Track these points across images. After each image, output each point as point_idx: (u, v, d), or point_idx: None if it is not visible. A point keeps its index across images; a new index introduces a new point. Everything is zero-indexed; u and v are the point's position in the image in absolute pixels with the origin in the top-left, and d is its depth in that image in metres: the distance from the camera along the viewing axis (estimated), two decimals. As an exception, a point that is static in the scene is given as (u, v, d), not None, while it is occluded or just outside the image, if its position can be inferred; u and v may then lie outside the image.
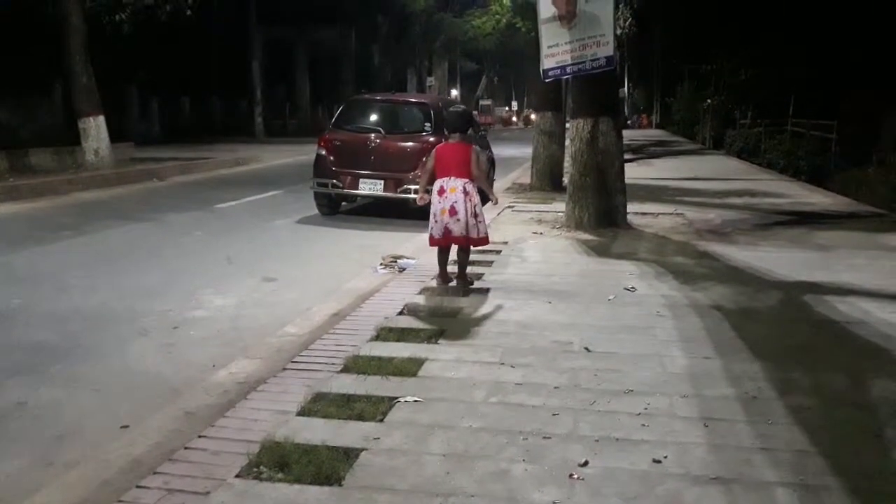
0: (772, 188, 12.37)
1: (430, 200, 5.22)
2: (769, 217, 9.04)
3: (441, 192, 5.13)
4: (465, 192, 5.10)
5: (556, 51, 7.57)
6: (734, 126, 23.49)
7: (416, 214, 9.21)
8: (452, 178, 5.12)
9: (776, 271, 5.90)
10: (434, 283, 5.43)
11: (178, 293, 5.57)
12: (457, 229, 5.10)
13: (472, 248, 5.38)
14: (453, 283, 5.36)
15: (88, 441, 3.13)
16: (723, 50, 24.21)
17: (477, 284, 5.40)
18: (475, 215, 5.14)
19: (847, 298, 5.06)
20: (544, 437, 2.91)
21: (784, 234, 7.81)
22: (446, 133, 5.58)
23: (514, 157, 19.26)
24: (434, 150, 5.32)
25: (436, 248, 5.36)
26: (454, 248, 5.38)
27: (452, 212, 5.08)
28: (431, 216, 5.20)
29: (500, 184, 12.44)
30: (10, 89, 15.11)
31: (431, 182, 5.27)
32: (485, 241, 5.32)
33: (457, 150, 5.21)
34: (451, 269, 5.41)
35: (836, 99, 17.72)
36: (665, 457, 2.76)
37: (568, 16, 7.44)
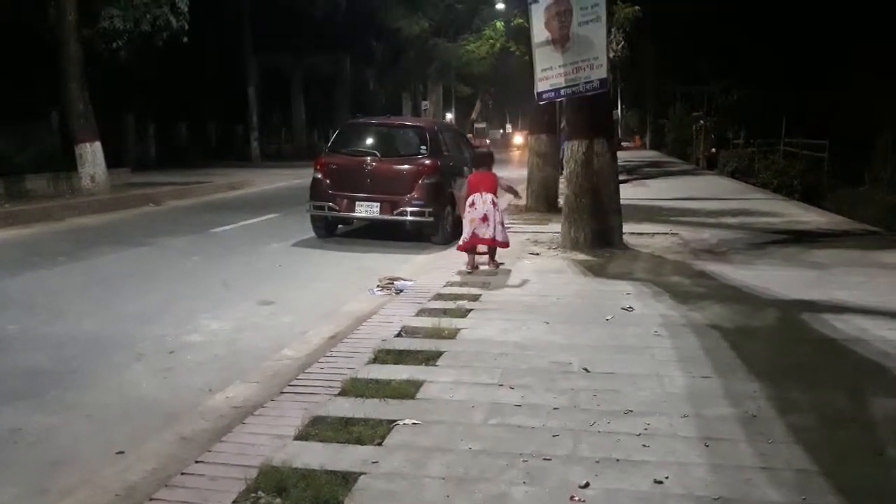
0: (766, 207, 12.43)
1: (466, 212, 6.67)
2: (764, 236, 9.07)
3: (472, 204, 6.59)
4: (494, 204, 6.59)
5: (549, 74, 7.64)
6: (727, 146, 23.66)
7: (412, 237, 9.26)
8: (483, 192, 6.60)
9: (772, 290, 5.91)
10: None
11: (175, 318, 5.54)
12: (487, 233, 6.54)
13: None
14: (481, 268, 6.73)
15: (84, 467, 3.10)
16: (714, 71, 24.49)
17: (475, 305, 5.40)
18: (501, 223, 6.64)
19: (843, 316, 5.07)
20: (544, 459, 2.90)
21: (779, 252, 7.84)
22: (473, 168, 7.20)
23: (510, 178, 19.29)
24: (468, 179, 7.04)
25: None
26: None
27: (484, 219, 6.52)
28: (467, 224, 6.59)
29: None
30: (6, 115, 15.15)
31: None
32: (506, 245, 6.79)
33: (484, 176, 6.83)
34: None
35: (827, 118, 17.88)
36: (666, 477, 2.74)
37: (561, 39, 7.51)
